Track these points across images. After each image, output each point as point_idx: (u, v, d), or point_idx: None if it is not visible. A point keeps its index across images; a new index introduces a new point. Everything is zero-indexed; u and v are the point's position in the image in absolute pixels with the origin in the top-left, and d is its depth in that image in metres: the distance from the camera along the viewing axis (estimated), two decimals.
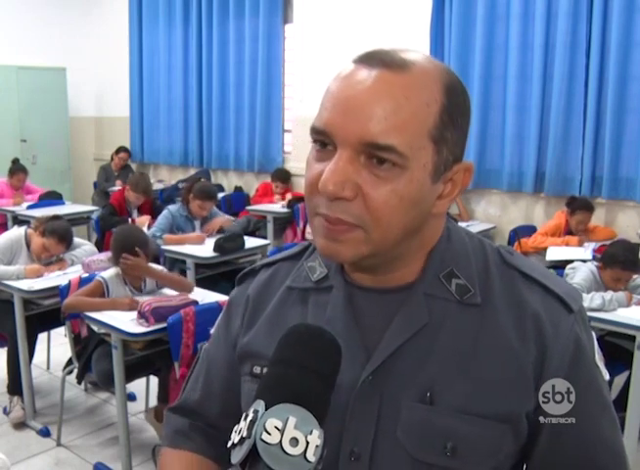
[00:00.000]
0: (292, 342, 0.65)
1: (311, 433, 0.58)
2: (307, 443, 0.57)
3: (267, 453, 0.57)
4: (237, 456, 0.58)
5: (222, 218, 4.39)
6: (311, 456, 0.57)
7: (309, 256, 0.87)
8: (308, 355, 0.63)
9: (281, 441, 0.57)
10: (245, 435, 0.58)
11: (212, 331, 0.97)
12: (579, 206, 4.18)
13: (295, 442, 0.57)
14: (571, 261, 3.24)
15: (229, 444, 0.60)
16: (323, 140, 0.71)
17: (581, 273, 3.00)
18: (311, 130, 0.72)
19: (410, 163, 0.68)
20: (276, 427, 0.57)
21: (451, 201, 0.76)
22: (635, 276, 3.09)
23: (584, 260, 3.21)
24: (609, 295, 2.82)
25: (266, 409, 0.59)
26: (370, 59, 0.70)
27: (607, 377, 0.79)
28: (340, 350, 0.65)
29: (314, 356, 0.63)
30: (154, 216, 4.83)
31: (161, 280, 3.00)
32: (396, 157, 0.68)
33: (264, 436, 0.57)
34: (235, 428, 0.61)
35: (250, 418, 0.59)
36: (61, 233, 3.32)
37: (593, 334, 0.79)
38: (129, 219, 4.78)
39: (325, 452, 0.59)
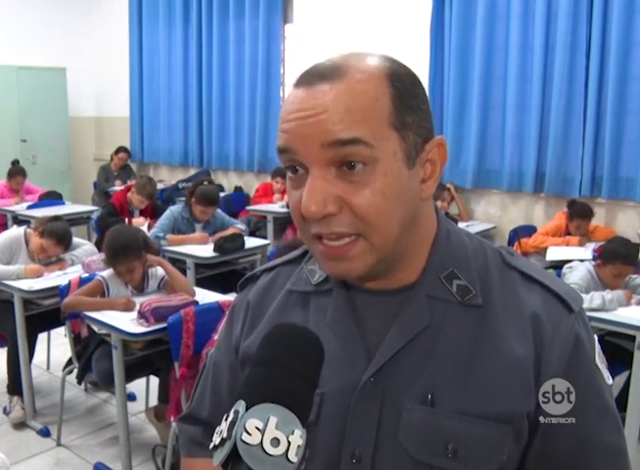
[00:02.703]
0: (274, 341, 0.64)
1: (293, 433, 0.57)
2: (289, 443, 0.56)
3: (248, 454, 0.56)
4: (218, 458, 0.58)
5: (235, 229, 4.28)
6: (293, 456, 0.56)
7: (309, 259, 0.87)
8: (290, 355, 0.62)
9: (262, 441, 0.56)
10: (225, 436, 0.57)
11: (216, 338, 0.97)
12: (577, 213, 4.18)
13: (276, 442, 0.56)
14: (571, 261, 3.24)
15: (211, 445, 0.59)
16: (292, 163, 0.71)
17: (578, 272, 3.00)
18: (278, 153, 0.73)
19: (379, 154, 0.68)
20: (257, 427, 0.56)
21: (436, 181, 0.75)
22: (635, 276, 3.10)
23: (583, 260, 3.21)
24: (609, 295, 2.82)
25: (247, 410, 0.58)
26: (308, 78, 0.71)
27: (609, 381, 0.78)
28: (322, 349, 0.65)
29: (296, 356, 0.62)
30: (153, 217, 4.84)
31: (169, 274, 2.99)
32: (364, 148, 0.67)
33: (245, 436, 0.56)
34: (217, 429, 0.60)
35: (230, 419, 0.58)
36: (59, 235, 3.32)
37: (595, 337, 0.78)
38: (126, 220, 4.77)
39: (307, 453, 0.58)
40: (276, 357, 0.62)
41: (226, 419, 0.59)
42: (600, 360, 0.77)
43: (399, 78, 0.71)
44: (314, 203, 0.68)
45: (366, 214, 0.69)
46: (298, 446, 0.57)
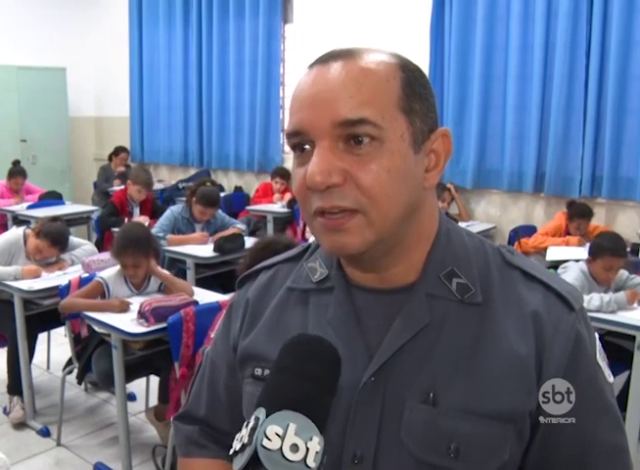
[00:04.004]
0: (292, 350, 0.66)
1: (311, 439, 0.59)
2: (307, 449, 0.58)
3: (268, 460, 0.57)
4: (239, 463, 0.59)
5: (235, 229, 4.31)
6: (311, 462, 0.58)
7: (309, 256, 0.87)
8: (309, 364, 0.64)
9: (281, 447, 0.58)
10: (246, 441, 0.59)
11: (213, 335, 0.97)
12: (576, 213, 4.19)
13: (295, 448, 0.58)
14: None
15: (231, 451, 0.61)
16: (300, 142, 0.72)
17: (571, 272, 3.01)
18: (286, 137, 0.74)
19: (387, 133, 0.69)
20: (277, 433, 0.58)
21: (440, 172, 0.76)
22: (633, 275, 3.10)
23: (578, 260, 3.21)
24: (607, 296, 2.82)
25: (267, 416, 0.59)
26: (322, 58, 0.74)
27: (611, 379, 0.78)
28: (339, 358, 0.66)
29: (314, 365, 0.64)
30: (153, 216, 4.83)
31: (167, 282, 3.01)
32: (372, 128, 0.68)
33: (265, 442, 0.58)
34: (237, 436, 0.61)
35: (251, 425, 0.60)
36: (54, 237, 3.31)
37: (596, 335, 0.78)
38: (126, 219, 4.76)
39: (325, 459, 0.60)
40: (295, 366, 0.64)
41: (246, 426, 0.61)
42: (601, 358, 0.77)
43: (409, 68, 0.74)
44: (319, 173, 0.68)
45: (370, 189, 0.69)
46: (317, 452, 0.59)
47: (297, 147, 0.73)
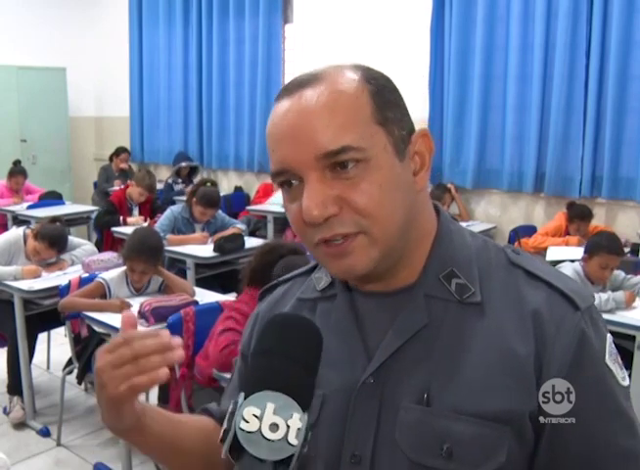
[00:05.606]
0: (268, 332, 0.66)
1: (292, 417, 0.58)
2: (288, 426, 0.58)
3: (248, 442, 0.57)
4: (224, 449, 0.59)
5: (235, 229, 4.32)
6: (293, 439, 0.57)
7: (319, 269, 0.89)
8: (285, 342, 0.64)
9: (260, 427, 0.57)
10: (226, 427, 0.59)
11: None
12: (576, 215, 4.19)
13: (275, 427, 0.58)
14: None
15: (218, 440, 0.61)
16: (287, 179, 0.73)
17: (564, 273, 3.01)
18: (272, 177, 0.75)
19: (370, 152, 0.70)
20: (254, 415, 0.58)
21: (427, 171, 0.77)
22: (630, 275, 3.11)
23: (574, 261, 3.21)
24: (605, 295, 2.83)
25: (245, 399, 0.60)
26: (288, 90, 0.73)
27: (625, 382, 0.75)
28: (319, 334, 0.66)
29: (291, 342, 0.64)
30: (152, 217, 4.83)
31: (168, 280, 3.01)
32: (355, 153, 0.69)
33: (243, 424, 0.58)
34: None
35: (230, 410, 0.60)
36: (51, 239, 3.31)
37: (609, 336, 0.77)
38: (121, 218, 4.76)
39: (310, 435, 0.59)
40: (272, 346, 0.64)
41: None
42: (612, 360, 0.75)
43: (373, 77, 0.74)
44: (315, 206, 0.69)
45: (366, 208, 0.70)
46: (298, 428, 0.58)
47: (284, 184, 0.74)
